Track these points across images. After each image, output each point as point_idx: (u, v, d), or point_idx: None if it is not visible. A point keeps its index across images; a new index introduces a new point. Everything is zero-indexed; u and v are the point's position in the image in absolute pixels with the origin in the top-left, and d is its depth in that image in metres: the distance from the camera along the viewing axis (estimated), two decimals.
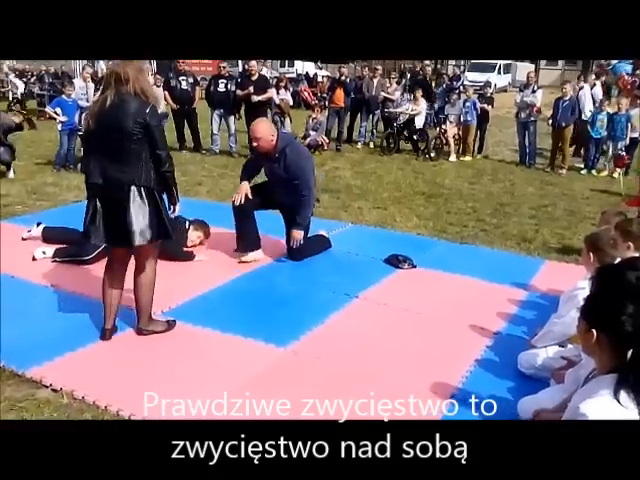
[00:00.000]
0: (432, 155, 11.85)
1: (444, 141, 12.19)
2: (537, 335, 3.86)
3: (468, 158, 12.00)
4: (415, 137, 12.46)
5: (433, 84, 14.85)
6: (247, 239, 5.49)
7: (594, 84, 12.82)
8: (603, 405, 1.82)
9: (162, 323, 4.09)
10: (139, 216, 3.66)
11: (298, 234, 5.39)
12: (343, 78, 12.64)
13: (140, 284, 3.93)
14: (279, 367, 3.71)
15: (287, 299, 4.69)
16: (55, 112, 9.68)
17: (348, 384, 3.47)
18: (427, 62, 16.13)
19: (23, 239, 5.77)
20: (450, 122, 12.10)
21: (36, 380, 3.42)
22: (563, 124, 10.89)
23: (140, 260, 3.90)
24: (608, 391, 1.82)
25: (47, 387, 3.37)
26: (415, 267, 5.48)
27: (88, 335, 3.95)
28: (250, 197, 5.38)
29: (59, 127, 9.65)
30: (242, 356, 3.82)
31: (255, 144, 5.28)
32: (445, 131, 12.08)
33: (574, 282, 3.83)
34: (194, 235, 5.73)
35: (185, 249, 5.56)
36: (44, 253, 5.32)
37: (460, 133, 12.27)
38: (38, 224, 5.88)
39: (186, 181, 9.00)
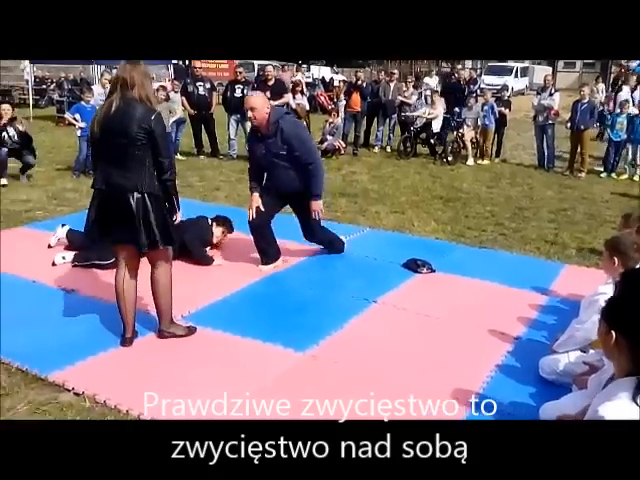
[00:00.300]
0: (449, 159, 11.82)
1: (461, 145, 12.15)
2: (558, 340, 3.83)
3: (486, 162, 11.94)
4: (432, 141, 12.43)
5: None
6: (268, 253, 5.45)
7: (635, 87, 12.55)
8: (621, 408, 1.81)
9: (183, 328, 4.11)
10: (145, 223, 3.65)
11: (317, 205, 5.28)
12: (359, 83, 12.64)
13: (157, 288, 3.94)
14: (298, 372, 3.71)
15: (306, 304, 4.70)
16: (74, 118, 9.78)
17: (367, 389, 3.45)
18: (460, 66, 15.79)
19: (50, 246, 5.80)
20: (467, 126, 12.05)
21: (58, 384, 3.46)
22: (582, 127, 10.81)
23: (153, 265, 3.91)
24: (627, 394, 1.81)
25: (69, 391, 3.40)
26: (434, 271, 5.46)
27: (109, 339, 3.98)
28: (262, 209, 5.29)
29: (78, 133, 9.74)
30: (261, 361, 3.83)
31: (250, 115, 5.03)
32: (462, 135, 12.03)
33: (595, 287, 3.80)
34: (218, 231, 5.80)
35: (208, 249, 5.66)
36: (64, 258, 5.37)
37: (478, 137, 12.22)
38: (62, 225, 5.92)
39: (204, 186, 9.05)
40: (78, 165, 9.64)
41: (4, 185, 8.50)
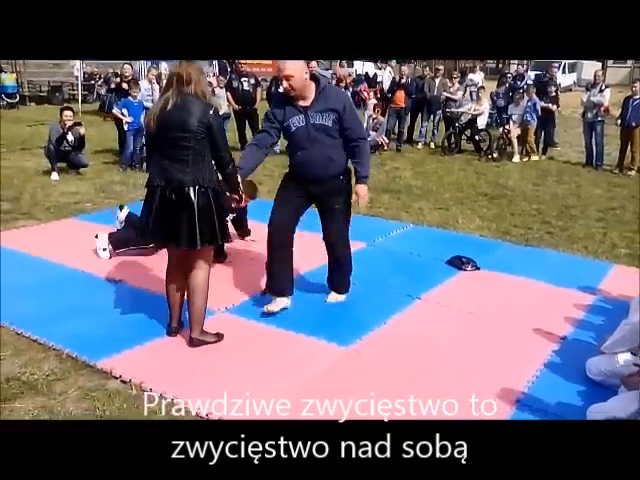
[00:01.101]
0: (495, 156, 11.65)
1: (507, 141, 11.96)
2: (607, 341, 3.75)
3: (535, 158, 11.72)
4: (477, 137, 12.28)
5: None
6: (280, 278, 4.35)
7: None
8: None
9: (212, 335, 4.00)
10: (204, 218, 3.64)
11: (362, 189, 4.27)
12: (403, 80, 12.55)
13: (193, 288, 3.84)
14: (341, 366, 3.72)
15: (348, 299, 4.68)
16: (122, 113, 9.96)
17: (410, 385, 3.44)
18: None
19: (118, 230, 5.78)
20: (514, 122, 11.86)
21: (106, 371, 3.53)
22: (633, 124, 10.53)
23: (196, 263, 3.81)
24: None
25: (117, 378, 3.47)
26: (479, 269, 5.40)
27: (156, 329, 4.05)
28: (283, 210, 4.29)
29: (125, 127, 9.91)
30: (305, 354, 3.85)
31: (285, 86, 4.03)
32: (508, 131, 11.84)
33: None
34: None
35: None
36: (104, 250, 5.42)
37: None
38: (121, 207, 5.93)
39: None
40: (125, 159, 9.82)
41: (55, 180, 8.71)
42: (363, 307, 4.57)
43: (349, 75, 19.61)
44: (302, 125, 4.08)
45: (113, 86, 10.07)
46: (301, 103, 4.08)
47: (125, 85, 10.39)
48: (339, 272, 4.57)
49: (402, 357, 3.83)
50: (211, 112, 3.61)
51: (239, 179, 3.90)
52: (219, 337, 4.02)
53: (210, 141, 3.61)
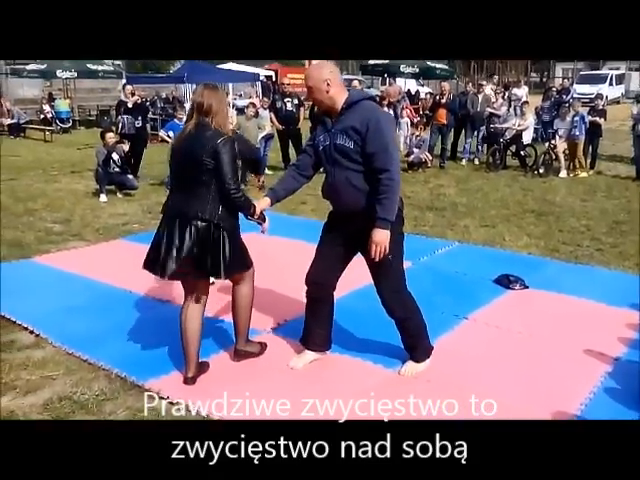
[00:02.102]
0: (541, 171, 11.47)
1: (553, 157, 11.76)
2: None
3: (584, 174, 11.45)
4: (523, 153, 12.11)
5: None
6: (314, 334, 3.98)
7: None
8: None
9: (256, 345, 4.05)
10: (209, 251, 3.55)
11: (377, 234, 3.44)
12: (444, 100, 12.46)
13: (237, 305, 3.88)
14: (389, 388, 3.67)
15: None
16: (168, 135, 10.16)
17: (461, 407, 3.38)
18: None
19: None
20: (560, 137, 11.67)
21: (154, 391, 3.56)
22: None
23: (236, 283, 3.84)
24: None
25: (164, 399, 3.50)
26: (527, 288, 5.29)
27: (202, 350, 4.07)
28: (323, 263, 3.79)
29: None
30: (350, 376, 3.82)
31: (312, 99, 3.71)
32: (555, 146, 11.65)
33: None
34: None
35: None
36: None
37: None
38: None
39: (290, 200, 9.12)
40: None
41: (104, 202, 8.93)
42: None
43: (400, 92, 19.65)
44: (327, 144, 3.61)
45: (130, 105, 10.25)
46: (330, 115, 3.63)
47: (130, 104, 10.48)
48: (406, 336, 3.91)
49: (450, 379, 3.77)
50: (219, 141, 3.46)
51: (250, 202, 3.67)
52: (262, 347, 4.06)
53: (214, 169, 3.47)
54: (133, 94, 10.39)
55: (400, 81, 25.90)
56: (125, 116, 10.08)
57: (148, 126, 18.64)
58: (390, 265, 3.62)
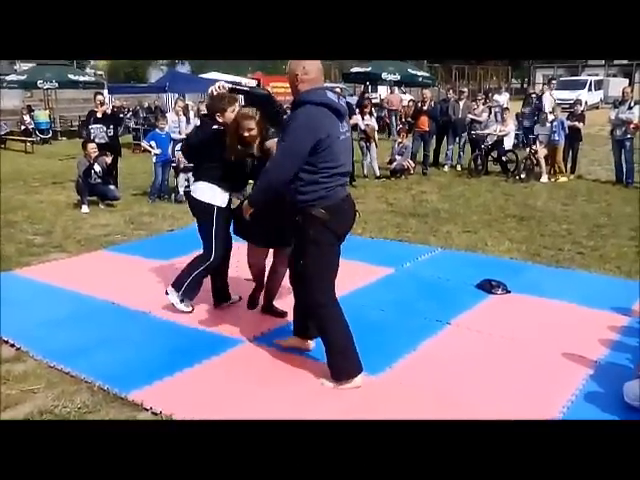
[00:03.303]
0: (522, 176, 11.56)
1: (534, 162, 11.87)
2: None
3: (565, 179, 11.55)
4: (504, 158, 12.21)
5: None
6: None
7: None
8: None
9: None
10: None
11: (243, 207, 3.78)
12: (425, 107, 12.53)
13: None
14: (372, 395, 3.67)
15: (377, 325, 4.66)
16: (150, 145, 10.14)
17: (442, 413, 3.39)
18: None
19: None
20: (540, 142, 11.77)
21: (137, 403, 3.54)
22: None
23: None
24: None
25: (147, 410, 3.48)
26: (509, 292, 5.33)
27: (185, 359, 4.06)
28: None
29: (154, 159, 10.08)
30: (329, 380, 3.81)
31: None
32: (535, 151, 11.75)
33: None
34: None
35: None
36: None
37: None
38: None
39: None
40: (154, 190, 9.96)
41: (86, 213, 8.87)
42: (392, 334, 4.53)
43: (401, 101, 19.78)
44: None
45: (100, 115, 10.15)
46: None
47: (100, 114, 10.36)
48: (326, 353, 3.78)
49: (433, 384, 3.78)
50: None
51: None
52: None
53: None
54: (102, 104, 10.35)
55: (382, 89, 26.07)
56: (95, 125, 10.03)
57: (131, 136, 18.69)
58: (310, 278, 3.64)
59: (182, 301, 4.81)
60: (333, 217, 3.52)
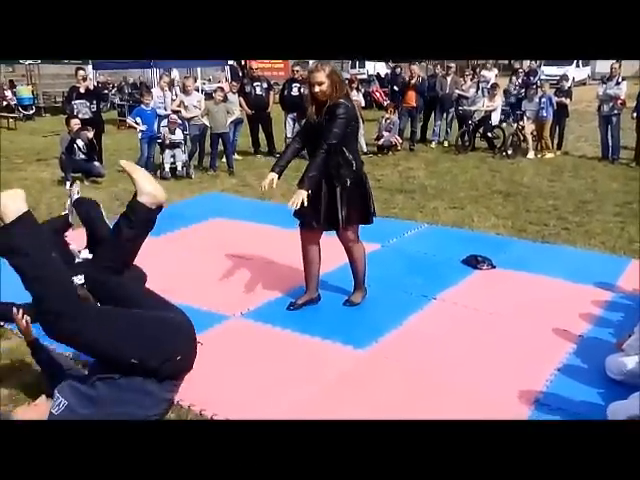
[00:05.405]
0: (509, 152, 11.57)
1: (521, 138, 11.87)
2: (628, 340, 3.69)
3: (550, 155, 11.58)
4: (491, 134, 12.20)
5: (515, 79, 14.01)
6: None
7: None
8: None
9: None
10: None
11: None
12: (413, 81, 12.46)
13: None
14: (357, 369, 3.71)
15: (364, 301, 4.68)
16: (135, 121, 10.03)
17: (428, 387, 3.43)
18: None
19: None
20: (527, 118, 11.77)
21: None
22: None
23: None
24: None
25: None
26: (494, 268, 5.36)
27: None
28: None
29: (139, 136, 9.99)
30: (321, 358, 3.84)
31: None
32: (522, 128, 11.75)
33: None
34: None
35: None
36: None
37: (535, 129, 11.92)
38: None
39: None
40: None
41: (70, 189, 8.78)
42: (378, 309, 4.56)
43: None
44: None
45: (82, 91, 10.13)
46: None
47: (82, 89, 10.29)
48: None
49: (419, 359, 3.82)
50: None
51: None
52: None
53: None
54: (85, 79, 10.27)
55: (369, 64, 25.90)
56: (78, 101, 9.94)
57: (116, 112, 18.48)
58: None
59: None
60: None
